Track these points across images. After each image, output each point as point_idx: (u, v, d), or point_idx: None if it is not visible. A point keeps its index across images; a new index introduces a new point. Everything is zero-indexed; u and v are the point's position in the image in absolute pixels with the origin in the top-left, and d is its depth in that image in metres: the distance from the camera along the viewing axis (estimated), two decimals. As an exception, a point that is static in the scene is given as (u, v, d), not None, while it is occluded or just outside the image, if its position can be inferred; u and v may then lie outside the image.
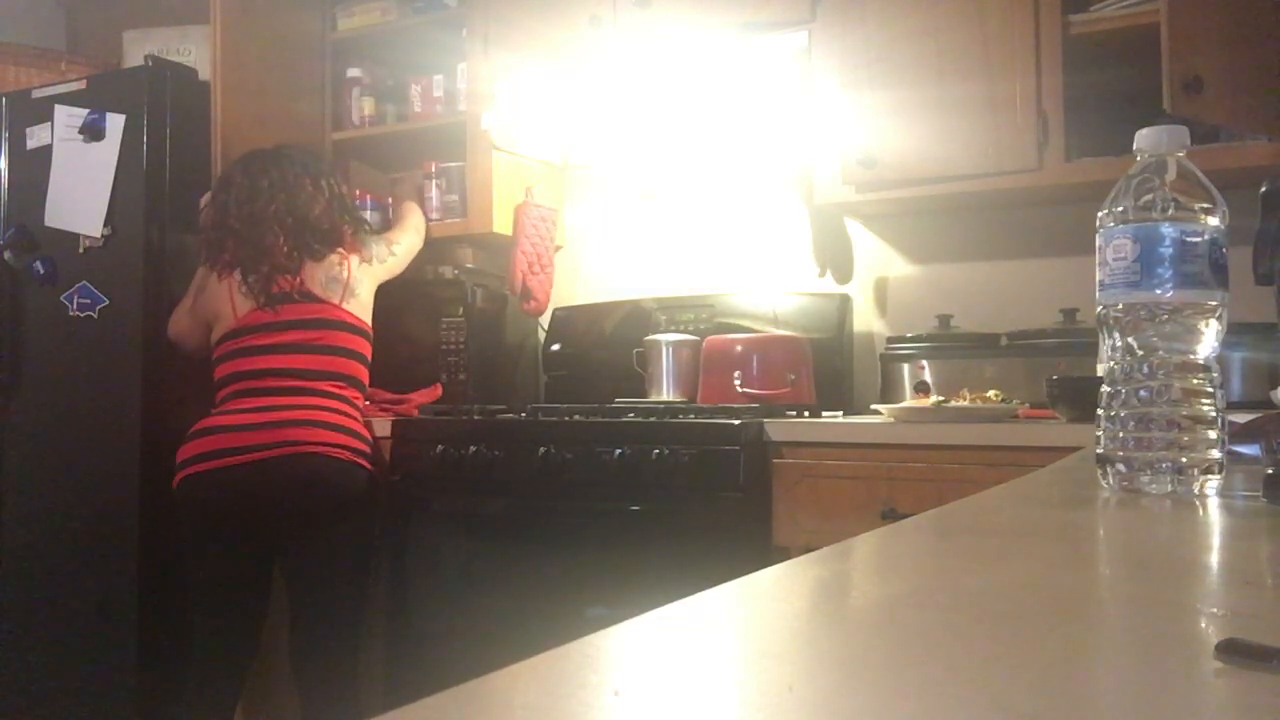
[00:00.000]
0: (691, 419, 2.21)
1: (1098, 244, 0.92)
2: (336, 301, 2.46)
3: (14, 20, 3.54)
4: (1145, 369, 0.89)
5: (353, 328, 2.48)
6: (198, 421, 2.40)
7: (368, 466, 2.38)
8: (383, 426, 2.49)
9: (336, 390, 2.42)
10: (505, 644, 2.16)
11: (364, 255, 2.57)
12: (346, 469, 2.34)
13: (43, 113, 2.88)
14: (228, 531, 2.36)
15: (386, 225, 3.09)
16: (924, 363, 2.50)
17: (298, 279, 2.43)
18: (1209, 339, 0.89)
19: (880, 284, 2.79)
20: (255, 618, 2.44)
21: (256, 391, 2.38)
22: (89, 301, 2.79)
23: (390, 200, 3.14)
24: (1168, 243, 0.87)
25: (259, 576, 2.43)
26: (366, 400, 2.56)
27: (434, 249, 3.19)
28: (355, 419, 2.43)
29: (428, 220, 3.02)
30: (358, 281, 2.51)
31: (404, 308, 2.85)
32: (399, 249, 2.69)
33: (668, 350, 2.63)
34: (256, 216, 2.42)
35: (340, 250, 2.50)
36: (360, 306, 2.51)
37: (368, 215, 3.15)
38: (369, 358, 2.53)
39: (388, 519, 2.44)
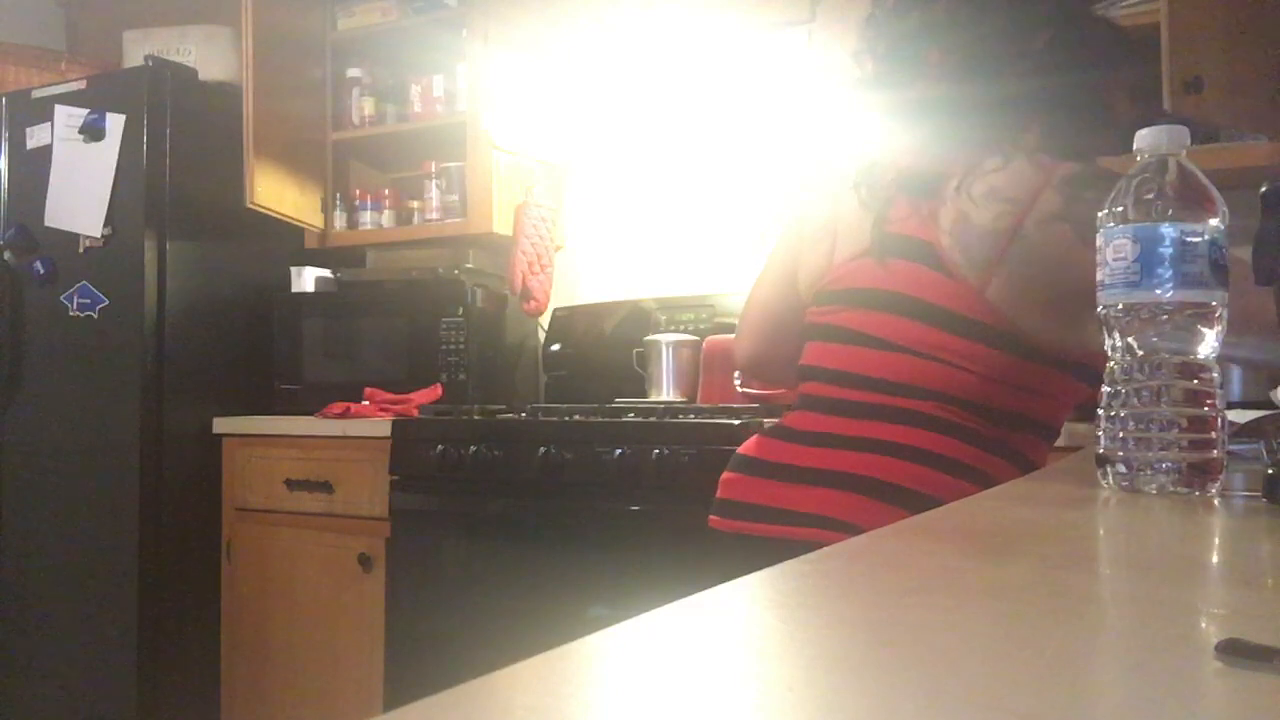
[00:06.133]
0: (691, 419, 2.21)
1: (1098, 244, 0.92)
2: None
3: (14, 20, 3.54)
4: (1145, 369, 0.89)
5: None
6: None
7: None
8: (383, 426, 2.49)
9: None
10: (505, 644, 2.16)
11: None
12: None
13: (43, 113, 2.88)
14: None
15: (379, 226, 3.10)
16: (924, 363, 2.49)
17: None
18: (1209, 339, 0.89)
19: (880, 284, 2.78)
20: None
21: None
22: (89, 301, 2.79)
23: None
24: (1168, 243, 0.87)
25: None
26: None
27: (434, 249, 3.19)
28: None
29: (428, 220, 3.02)
30: None
31: (404, 308, 2.85)
32: None
33: (668, 350, 2.63)
34: None
35: None
36: None
37: (367, 216, 3.16)
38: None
39: (388, 519, 2.45)
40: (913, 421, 1.24)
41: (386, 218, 3.16)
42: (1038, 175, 1.23)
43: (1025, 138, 1.27)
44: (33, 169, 2.88)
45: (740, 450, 1.39)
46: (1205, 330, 0.88)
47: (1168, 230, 0.87)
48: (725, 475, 1.39)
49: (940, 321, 1.25)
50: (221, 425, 2.79)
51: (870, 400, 1.28)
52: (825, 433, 1.30)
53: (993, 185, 1.23)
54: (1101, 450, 0.92)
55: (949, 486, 1.18)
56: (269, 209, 2.96)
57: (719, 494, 1.38)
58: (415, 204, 3.14)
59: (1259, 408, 1.37)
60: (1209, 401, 0.88)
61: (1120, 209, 0.90)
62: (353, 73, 3.16)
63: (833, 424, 1.30)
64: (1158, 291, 0.88)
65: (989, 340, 1.23)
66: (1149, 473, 0.88)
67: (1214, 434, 0.88)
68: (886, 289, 1.29)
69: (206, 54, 3.13)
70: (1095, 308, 1.03)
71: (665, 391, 2.61)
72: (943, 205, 1.26)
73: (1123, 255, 0.89)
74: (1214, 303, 0.88)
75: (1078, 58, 1.29)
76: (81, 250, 2.80)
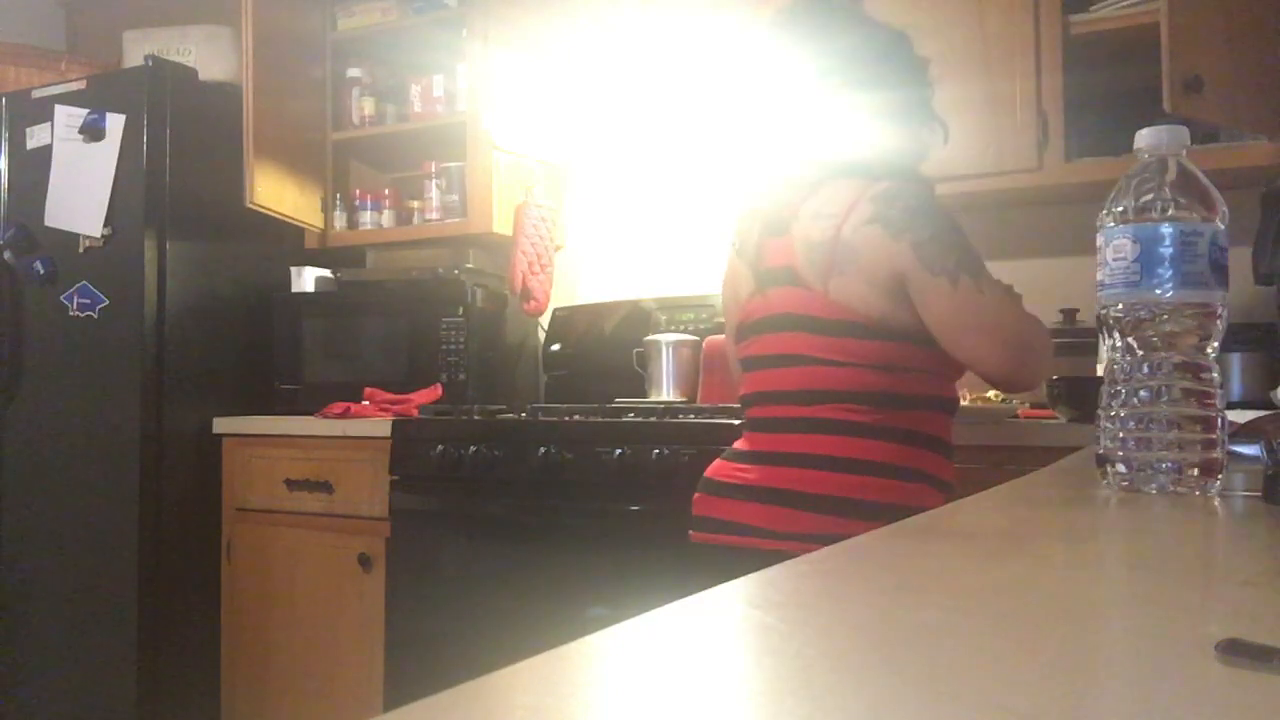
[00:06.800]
0: (691, 419, 2.21)
1: (1098, 244, 0.92)
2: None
3: (14, 20, 3.54)
4: (1145, 369, 0.89)
5: None
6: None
7: None
8: (383, 426, 2.49)
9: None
10: (506, 644, 2.16)
11: None
12: None
13: (43, 113, 2.88)
14: None
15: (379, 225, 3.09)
16: (924, 363, 2.49)
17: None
18: (1209, 339, 0.89)
19: (880, 284, 2.78)
20: None
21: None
22: (89, 301, 2.79)
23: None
24: (1168, 243, 0.87)
25: None
26: None
27: (434, 249, 3.19)
28: None
29: (428, 220, 3.02)
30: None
31: (404, 308, 2.85)
32: None
33: (668, 350, 2.63)
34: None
35: None
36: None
37: (367, 216, 3.16)
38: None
39: (388, 519, 2.45)
40: (814, 429, 1.47)
41: (386, 218, 3.16)
42: (854, 192, 1.47)
43: (851, 164, 1.51)
44: (33, 169, 2.88)
45: (705, 473, 1.63)
46: (1205, 330, 0.88)
47: (1168, 230, 0.87)
48: (695, 495, 1.62)
49: (810, 327, 1.49)
50: (221, 425, 2.79)
51: (780, 414, 1.52)
52: (752, 450, 1.55)
53: (819, 207, 1.49)
54: (1101, 450, 0.92)
55: (850, 484, 1.43)
56: (269, 209, 2.96)
57: (692, 511, 1.61)
58: (415, 204, 3.14)
59: (1259, 408, 1.37)
60: (1209, 401, 0.88)
61: (1120, 209, 0.90)
62: (353, 73, 3.16)
63: (758, 441, 1.55)
64: (1158, 291, 0.88)
65: (853, 333, 1.46)
66: (1149, 473, 0.88)
67: (1214, 434, 0.88)
68: (770, 313, 1.55)
69: (206, 54, 3.13)
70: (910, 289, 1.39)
71: (665, 391, 2.61)
72: (794, 233, 1.51)
73: (1123, 255, 0.89)
74: (1214, 303, 0.88)
75: (885, 80, 1.57)
76: (81, 250, 2.80)
